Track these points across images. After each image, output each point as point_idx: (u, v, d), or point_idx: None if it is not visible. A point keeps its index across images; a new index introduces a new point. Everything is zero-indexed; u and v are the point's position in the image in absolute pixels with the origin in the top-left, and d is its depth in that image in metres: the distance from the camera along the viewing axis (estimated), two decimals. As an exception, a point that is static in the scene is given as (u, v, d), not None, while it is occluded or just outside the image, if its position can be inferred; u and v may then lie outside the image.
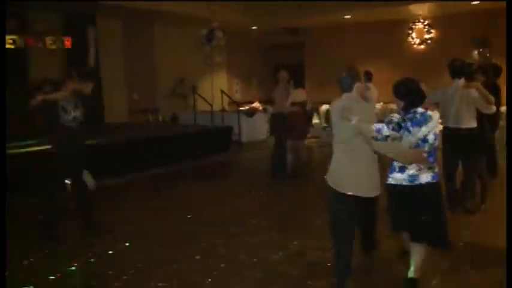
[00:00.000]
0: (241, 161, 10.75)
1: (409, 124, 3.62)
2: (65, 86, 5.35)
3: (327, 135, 12.72)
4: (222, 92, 13.59)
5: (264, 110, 12.82)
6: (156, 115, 13.71)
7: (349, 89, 3.94)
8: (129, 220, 6.02)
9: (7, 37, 10.27)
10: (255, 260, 4.59)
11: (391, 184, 3.79)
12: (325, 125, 13.00)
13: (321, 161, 10.95)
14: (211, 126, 11.98)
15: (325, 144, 12.27)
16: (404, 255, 4.22)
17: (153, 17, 12.64)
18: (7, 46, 10.26)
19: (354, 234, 3.94)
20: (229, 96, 13.91)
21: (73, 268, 4.53)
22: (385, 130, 3.63)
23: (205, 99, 12.92)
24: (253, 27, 15.39)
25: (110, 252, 4.95)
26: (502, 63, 6.54)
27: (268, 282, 4.12)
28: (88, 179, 5.43)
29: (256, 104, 13.72)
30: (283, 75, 8.23)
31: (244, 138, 12.32)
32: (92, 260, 4.75)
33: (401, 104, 3.71)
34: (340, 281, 3.84)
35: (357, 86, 3.94)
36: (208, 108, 12.80)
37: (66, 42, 11.39)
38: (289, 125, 8.05)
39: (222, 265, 4.48)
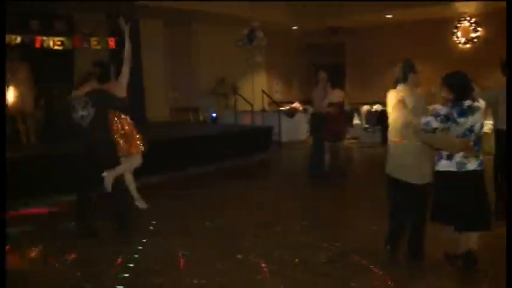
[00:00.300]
0: (281, 161, 10.74)
1: (456, 115, 3.82)
2: (84, 85, 5.42)
3: (367, 136, 12.57)
4: (263, 92, 13.61)
5: (304, 110, 12.75)
6: (196, 114, 13.84)
7: (404, 80, 4.16)
8: (170, 218, 6.07)
9: (56, 39, 10.61)
10: (296, 260, 4.55)
11: (439, 171, 4.02)
12: (366, 125, 12.84)
13: (360, 162, 10.86)
14: (251, 126, 12.01)
15: (365, 145, 12.14)
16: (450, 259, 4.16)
17: (193, 16, 12.76)
18: (56, 48, 10.60)
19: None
20: (269, 96, 13.90)
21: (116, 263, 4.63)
22: (434, 123, 3.86)
23: (245, 99, 12.96)
24: (294, 27, 15.33)
25: (151, 249, 5.00)
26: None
27: (310, 284, 4.09)
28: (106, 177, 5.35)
29: (296, 104, 13.67)
30: (322, 75, 8.18)
31: (284, 138, 12.30)
32: (136, 256, 4.82)
33: (450, 95, 3.89)
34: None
35: (412, 77, 4.16)
36: (248, 108, 12.85)
37: (110, 43, 11.68)
38: (327, 126, 8.00)
39: (263, 265, 4.47)
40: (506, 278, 3.27)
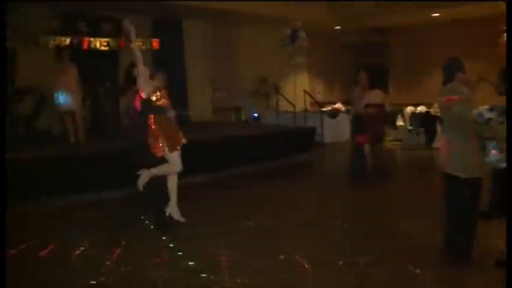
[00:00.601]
0: (323, 162, 10.67)
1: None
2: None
3: (411, 138, 12.31)
4: (305, 92, 13.54)
5: (347, 111, 12.63)
6: (238, 114, 13.90)
7: (451, 79, 4.19)
8: (212, 218, 6.10)
9: (102, 40, 10.88)
10: (340, 262, 4.50)
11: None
12: (410, 127, 12.57)
13: (402, 164, 10.65)
14: (294, 127, 11.98)
15: (408, 147, 11.89)
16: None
17: (235, 17, 12.82)
18: (102, 48, 10.87)
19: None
20: (312, 97, 13.82)
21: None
22: (487, 114, 4.03)
23: (287, 100, 12.93)
24: (336, 27, 15.19)
25: (193, 248, 5.03)
26: None
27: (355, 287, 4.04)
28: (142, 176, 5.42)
29: (338, 105, 13.57)
30: (362, 76, 8.08)
31: (327, 139, 12.21)
32: (180, 253, 4.87)
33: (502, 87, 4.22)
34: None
35: (460, 76, 4.18)
36: (290, 108, 12.81)
37: (154, 43, 11.89)
38: (366, 127, 7.88)
39: (306, 266, 4.44)
40: (506, 278, 3.21)
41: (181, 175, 5.86)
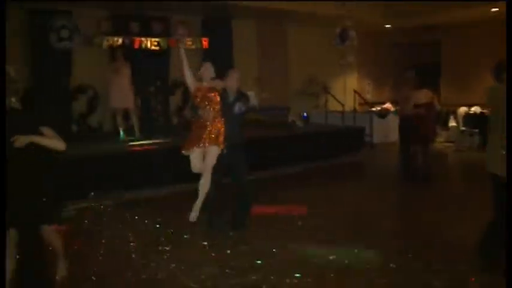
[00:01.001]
0: (372, 163, 10.47)
1: None
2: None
3: (464, 140, 11.90)
4: (355, 92, 13.35)
5: (396, 111, 12.36)
6: (287, 114, 13.84)
7: (500, 81, 4.07)
8: (262, 218, 6.08)
9: (153, 39, 11.08)
10: (392, 265, 4.40)
11: None
12: (463, 128, 12.17)
13: (454, 166, 10.32)
14: (343, 127, 11.84)
15: (461, 149, 11.51)
16: None
17: (285, 16, 12.77)
18: (152, 48, 11.07)
19: None
20: (362, 97, 13.61)
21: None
22: None
23: (337, 99, 12.79)
24: (387, 26, 14.88)
25: (246, 247, 5.05)
26: None
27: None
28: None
29: (388, 105, 13.31)
30: (409, 75, 7.86)
31: (376, 140, 12.02)
32: (229, 251, 4.90)
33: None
34: None
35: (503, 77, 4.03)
36: (338, 108, 12.66)
37: (204, 43, 11.99)
38: (414, 128, 7.67)
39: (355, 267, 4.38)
40: (506, 278, 3.18)
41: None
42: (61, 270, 4.29)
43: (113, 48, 10.36)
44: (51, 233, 4.04)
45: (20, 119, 3.77)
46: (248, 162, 5.57)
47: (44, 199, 3.84)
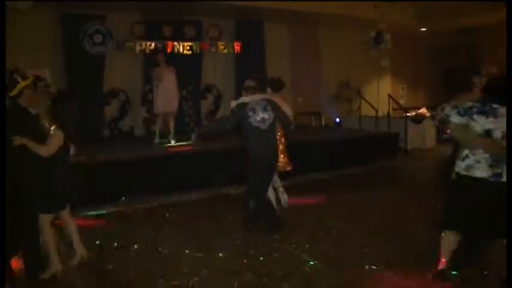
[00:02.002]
0: (407, 169, 10.20)
1: (474, 111, 3.70)
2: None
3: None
4: (389, 96, 13.10)
5: (432, 117, 12.07)
6: (319, 119, 13.70)
7: None
8: (293, 225, 5.97)
9: (185, 44, 11.12)
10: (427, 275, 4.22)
11: (455, 172, 3.91)
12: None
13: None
14: (376, 132, 11.63)
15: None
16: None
17: (318, 19, 12.65)
18: (185, 52, 11.12)
19: None
20: (396, 101, 13.35)
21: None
22: (453, 116, 3.80)
23: (370, 104, 12.57)
24: (422, 29, 14.58)
25: (275, 254, 4.97)
26: None
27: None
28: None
29: (423, 110, 13.01)
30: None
31: (411, 146, 11.74)
32: (261, 258, 4.81)
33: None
34: None
35: None
36: (372, 113, 12.44)
37: (236, 47, 11.98)
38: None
39: (393, 277, 4.24)
40: (506, 278, 3.18)
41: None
42: (80, 250, 4.67)
43: (152, 53, 10.39)
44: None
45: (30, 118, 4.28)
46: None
47: (36, 190, 4.21)
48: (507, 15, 4.08)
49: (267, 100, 5.56)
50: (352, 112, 13.81)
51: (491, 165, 3.68)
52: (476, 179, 3.72)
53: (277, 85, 6.19)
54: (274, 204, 6.02)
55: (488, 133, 3.64)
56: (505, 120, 3.58)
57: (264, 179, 5.61)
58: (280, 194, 6.48)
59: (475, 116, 3.69)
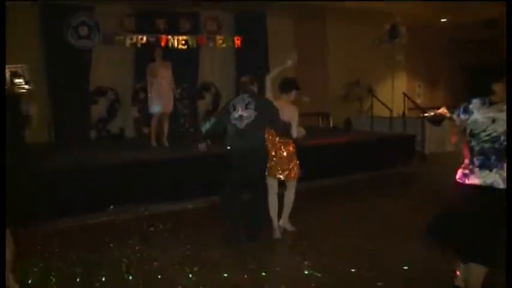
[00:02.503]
0: (425, 175, 10.15)
1: (460, 110, 4.08)
2: None
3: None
4: (405, 95, 13.07)
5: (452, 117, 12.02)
6: (327, 120, 13.68)
7: None
8: (300, 234, 5.98)
9: (180, 37, 11.12)
10: None
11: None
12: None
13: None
14: (390, 134, 11.61)
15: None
16: None
17: (325, 12, 12.64)
18: (180, 47, 11.11)
19: None
20: (412, 101, 13.32)
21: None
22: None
23: (383, 103, 12.55)
24: (443, 20, 14.52)
25: (280, 265, 4.95)
26: None
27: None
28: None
29: (443, 110, 12.90)
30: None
31: (429, 149, 11.70)
32: (263, 273, 4.78)
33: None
34: None
35: None
36: (385, 113, 12.42)
37: (236, 41, 11.97)
38: None
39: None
40: (506, 278, 3.25)
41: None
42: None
43: (149, 47, 10.40)
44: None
45: None
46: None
47: None
48: (507, 15, 4.12)
49: (255, 97, 5.51)
50: (364, 112, 13.79)
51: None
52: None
53: (285, 86, 5.95)
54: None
55: (466, 131, 3.89)
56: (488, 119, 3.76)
57: (238, 185, 5.53)
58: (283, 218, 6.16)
59: (461, 115, 4.02)
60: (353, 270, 4.80)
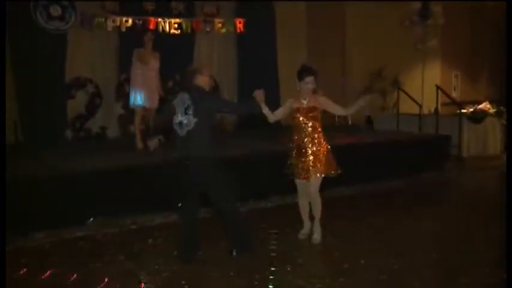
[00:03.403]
0: (463, 183, 10.17)
1: None
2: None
3: None
4: (438, 88, 13.08)
5: (498, 114, 12.01)
6: (344, 116, 13.68)
7: None
8: (310, 249, 6.02)
9: (172, 21, 11.15)
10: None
11: None
12: None
13: None
14: (420, 135, 11.62)
15: None
16: None
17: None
18: (172, 31, 11.14)
19: None
20: (447, 94, 13.33)
21: None
22: None
23: (412, 98, 12.55)
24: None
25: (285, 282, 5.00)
26: None
27: None
28: None
29: (485, 105, 12.95)
30: None
31: (467, 152, 11.72)
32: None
33: None
34: None
35: None
36: (415, 109, 12.42)
37: (238, 25, 11.96)
38: None
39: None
40: (506, 278, 3.57)
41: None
42: None
43: (125, 32, 10.44)
44: None
45: None
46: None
47: None
48: (507, 15, 4.18)
49: (196, 99, 5.48)
50: (388, 109, 13.81)
51: None
52: None
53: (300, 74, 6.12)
54: None
55: None
56: None
57: (191, 198, 5.65)
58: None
59: None
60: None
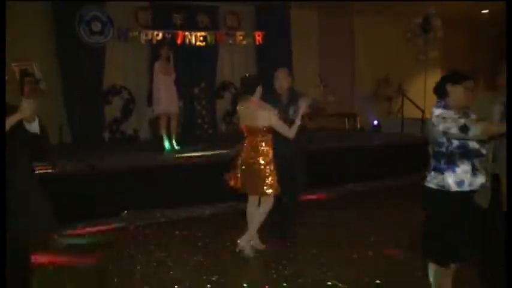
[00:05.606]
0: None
1: None
2: None
3: None
4: (439, 95, 13.03)
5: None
6: (353, 121, 13.69)
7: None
8: (322, 244, 6.04)
9: (198, 34, 11.24)
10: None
11: None
12: None
13: None
14: (423, 137, 11.56)
15: None
16: None
17: (353, 5, 12.63)
18: (198, 44, 11.23)
19: None
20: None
21: None
22: None
23: (415, 104, 12.52)
24: (484, 11, 14.32)
25: (300, 277, 4.99)
26: None
27: None
28: None
29: (483, 111, 12.88)
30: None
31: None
32: (284, 284, 4.86)
33: None
34: None
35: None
36: (418, 114, 12.37)
37: (257, 38, 12.03)
38: None
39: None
40: (506, 278, 3.34)
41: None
42: None
43: (155, 44, 10.57)
44: None
45: None
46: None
47: None
48: (507, 15, 4.18)
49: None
50: (393, 113, 13.75)
51: None
52: None
53: (246, 86, 5.56)
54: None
55: None
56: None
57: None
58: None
59: None
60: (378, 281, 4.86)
